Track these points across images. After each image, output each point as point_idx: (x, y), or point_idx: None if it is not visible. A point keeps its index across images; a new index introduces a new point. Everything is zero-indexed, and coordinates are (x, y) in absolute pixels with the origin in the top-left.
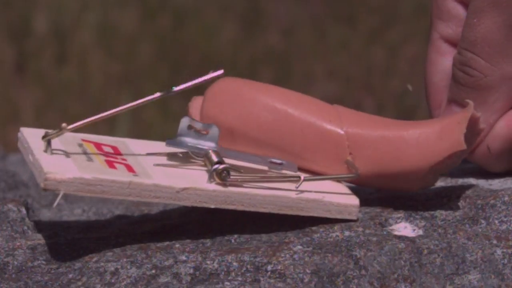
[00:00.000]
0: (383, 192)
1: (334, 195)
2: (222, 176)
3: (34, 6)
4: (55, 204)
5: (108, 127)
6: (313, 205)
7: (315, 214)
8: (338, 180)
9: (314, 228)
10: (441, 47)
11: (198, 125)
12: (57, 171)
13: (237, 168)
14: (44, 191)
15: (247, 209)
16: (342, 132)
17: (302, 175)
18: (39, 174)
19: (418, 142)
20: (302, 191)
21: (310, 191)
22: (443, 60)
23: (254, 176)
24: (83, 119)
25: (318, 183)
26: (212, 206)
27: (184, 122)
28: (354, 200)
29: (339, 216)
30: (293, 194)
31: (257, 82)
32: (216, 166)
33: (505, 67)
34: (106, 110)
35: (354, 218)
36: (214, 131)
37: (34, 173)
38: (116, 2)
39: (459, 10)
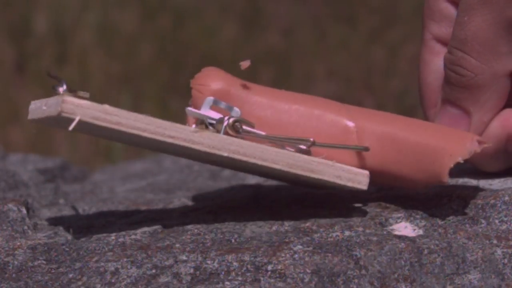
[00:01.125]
0: (383, 192)
1: (344, 164)
2: (235, 127)
3: (34, 6)
4: (71, 127)
5: None
6: (324, 168)
7: (325, 177)
8: (347, 149)
9: (314, 228)
10: (434, 47)
11: (222, 105)
12: (75, 99)
13: (250, 123)
14: (59, 116)
15: (258, 162)
16: (351, 124)
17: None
18: (56, 102)
19: (416, 152)
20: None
21: (321, 157)
22: (437, 60)
23: (267, 134)
24: None
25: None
26: (225, 154)
27: (208, 101)
28: (364, 171)
29: (349, 184)
30: (305, 155)
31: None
32: (229, 117)
33: (495, 65)
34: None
35: (364, 187)
36: (236, 112)
37: (49, 111)
38: (116, 2)
39: (451, 10)
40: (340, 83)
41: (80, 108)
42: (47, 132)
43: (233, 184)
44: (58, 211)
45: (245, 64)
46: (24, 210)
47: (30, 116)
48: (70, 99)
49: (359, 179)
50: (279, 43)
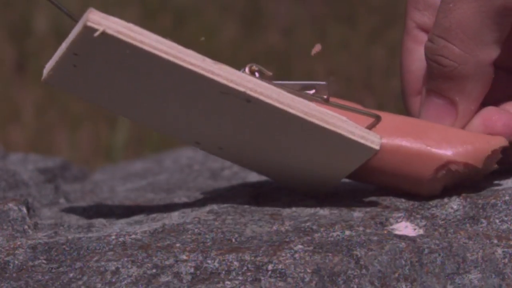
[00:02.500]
0: (383, 191)
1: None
2: (252, 70)
3: (34, 6)
4: (96, 34)
5: (109, 123)
6: (337, 121)
7: (338, 130)
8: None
9: (314, 227)
10: (418, 35)
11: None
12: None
13: (268, 73)
14: (85, 28)
15: (274, 104)
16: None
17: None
18: (82, 19)
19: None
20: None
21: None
22: (420, 49)
23: (282, 82)
24: (83, 119)
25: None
26: (242, 90)
27: None
28: (376, 134)
29: (362, 141)
30: (321, 106)
31: None
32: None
33: (479, 54)
34: (106, 111)
35: (377, 147)
36: None
37: (71, 36)
38: (116, 2)
39: (436, 1)
40: (340, 83)
41: (106, 21)
42: (48, 132)
43: (233, 184)
44: (58, 211)
45: (316, 48)
46: (24, 210)
47: (45, 72)
48: (97, 12)
49: (372, 138)
50: (279, 43)
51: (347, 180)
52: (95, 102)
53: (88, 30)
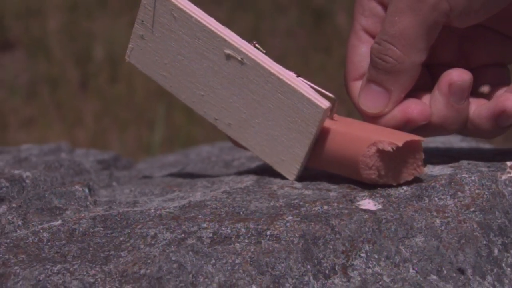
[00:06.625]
0: (351, 180)
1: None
2: (254, 44)
3: (93, 39)
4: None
5: (148, 127)
6: (302, 86)
7: (300, 90)
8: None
9: (301, 203)
10: (362, 36)
11: None
12: None
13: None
14: None
15: (261, 63)
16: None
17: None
18: None
19: (347, 140)
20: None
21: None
22: (362, 46)
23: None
24: (129, 123)
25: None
26: (242, 49)
27: None
28: (326, 100)
29: (314, 100)
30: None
31: None
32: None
33: (413, 56)
34: (146, 117)
35: (324, 107)
36: None
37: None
38: None
39: (378, 10)
40: None
41: None
42: (103, 133)
43: (241, 171)
44: (112, 191)
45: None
46: (87, 190)
47: (128, 50)
48: None
49: (322, 101)
50: None
51: (320, 171)
52: (158, 80)
53: None
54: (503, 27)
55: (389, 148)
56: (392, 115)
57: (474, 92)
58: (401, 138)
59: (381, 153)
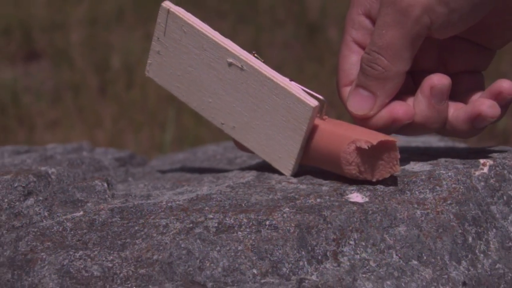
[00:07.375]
0: (340, 176)
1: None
2: (253, 54)
3: (111, 50)
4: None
5: (160, 128)
6: (293, 87)
7: (292, 91)
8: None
9: (296, 196)
10: (352, 47)
11: None
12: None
13: (261, 59)
14: (161, 10)
15: (259, 69)
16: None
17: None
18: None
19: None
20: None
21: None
22: (353, 56)
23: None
24: (143, 125)
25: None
26: (241, 57)
27: None
28: (315, 100)
29: (303, 99)
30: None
31: None
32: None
33: (399, 65)
34: (158, 119)
35: (313, 105)
36: None
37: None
38: None
39: (367, 23)
40: None
41: (174, 6)
42: (120, 134)
43: (243, 168)
44: (128, 185)
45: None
46: (105, 185)
47: (147, 66)
48: (170, 2)
49: (310, 100)
50: None
51: (313, 168)
52: (172, 91)
53: (163, 10)
54: (478, 38)
55: (365, 146)
56: (380, 115)
57: (452, 96)
58: (376, 138)
59: (359, 150)
